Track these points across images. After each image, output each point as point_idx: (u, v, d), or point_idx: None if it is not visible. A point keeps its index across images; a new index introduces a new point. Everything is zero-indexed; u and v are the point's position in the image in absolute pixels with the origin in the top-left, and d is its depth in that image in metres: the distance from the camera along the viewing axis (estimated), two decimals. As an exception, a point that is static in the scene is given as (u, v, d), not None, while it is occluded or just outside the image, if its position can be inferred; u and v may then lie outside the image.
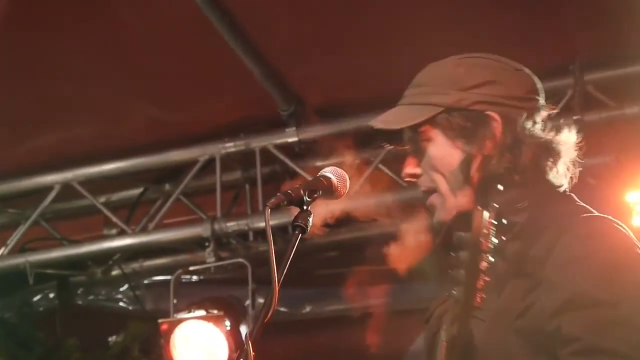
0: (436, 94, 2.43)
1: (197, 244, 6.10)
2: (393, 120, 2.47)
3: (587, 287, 2.19)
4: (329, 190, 2.38)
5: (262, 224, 5.77)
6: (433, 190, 2.44)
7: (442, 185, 2.41)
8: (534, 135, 2.39)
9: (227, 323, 5.59)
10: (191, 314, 5.65)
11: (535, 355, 2.23)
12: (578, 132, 2.47)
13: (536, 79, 2.48)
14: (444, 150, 2.41)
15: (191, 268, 6.05)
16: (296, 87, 5.54)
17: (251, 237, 5.92)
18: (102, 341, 6.63)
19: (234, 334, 5.59)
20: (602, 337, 2.15)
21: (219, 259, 5.84)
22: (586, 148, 2.48)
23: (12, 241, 6.23)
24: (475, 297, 2.13)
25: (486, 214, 2.12)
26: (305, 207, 2.31)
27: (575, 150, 2.44)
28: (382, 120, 2.48)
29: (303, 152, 5.71)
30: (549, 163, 2.41)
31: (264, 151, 5.78)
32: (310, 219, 2.31)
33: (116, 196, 6.37)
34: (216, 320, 5.58)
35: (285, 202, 2.31)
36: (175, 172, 6.14)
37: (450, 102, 2.40)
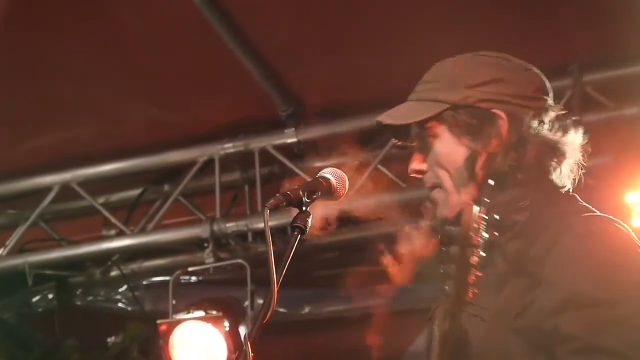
0: (444, 91, 2.44)
1: (196, 244, 6.10)
2: (400, 115, 2.48)
3: (586, 287, 2.19)
4: (328, 191, 2.39)
5: (261, 225, 5.77)
6: (437, 187, 2.45)
7: (446, 181, 2.42)
8: (540, 135, 2.39)
9: (226, 324, 5.59)
10: (190, 315, 5.65)
11: (535, 355, 2.23)
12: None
13: (545, 79, 2.49)
14: (449, 146, 2.42)
15: (190, 269, 6.05)
16: (295, 87, 5.54)
17: (250, 238, 5.92)
18: (101, 342, 6.62)
19: (232, 334, 5.59)
20: (601, 336, 2.15)
21: (217, 259, 5.84)
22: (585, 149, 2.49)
23: (11, 242, 6.23)
24: (467, 292, 2.13)
25: (476, 209, 2.13)
26: (304, 208, 2.32)
27: (580, 152, 2.45)
28: (389, 115, 2.50)
29: (302, 152, 5.71)
30: (553, 163, 2.41)
31: (263, 152, 5.78)
32: (309, 220, 2.31)
33: (115, 197, 6.37)
34: (215, 321, 5.58)
35: (284, 203, 2.31)
36: (174, 172, 6.14)
37: (457, 99, 2.41)
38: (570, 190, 2.46)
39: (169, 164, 6.00)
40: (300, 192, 2.32)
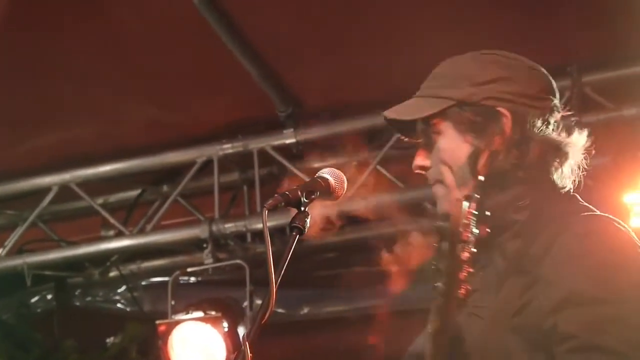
0: (449, 88, 2.45)
1: (195, 245, 6.10)
2: (405, 111, 2.50)
3: (584, 286, 2.20)
4: (326, 191, 2.39)
5: (260, 225, 5.76)
6: (439, 182, 2.45)
7: (448, 177, 2.42)
8: (544, 135, 2.40)
9: (225, 324, 5.59)
10: (189, 316, 5.65)
11: (534, 353, 2.23)
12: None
13: (552, 80, 2.50)
14: (453, 143, 2.43)
15: (189, 269, 6.05)
16: (294, 88, 5.53)
17: (249, 239, 5.92)
18: (99, 342, 6.62)
19: (231, 335, 5.59)
20: (599, 335, 2.15)
21: (216, 260, 5.84)
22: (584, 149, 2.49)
23: (9, 242, 6.22)
24: (458, 288, 2.12)
25: (465, 204, 2.13)
26: (302, 208, 2.32)
27: (583, 153, 2.45)
28: (395, 111, 2.51)
29: (301, 153, 5.70)
30: (556, 164, 2.42)
31: (262, 152, 5.78)
32: (308, 220, 2.31)
33: (114, 197, 6.37)
34: (214, 321, 5.57)
35: (283, 204, 2.32)
36: (173, 173, 6.13)
37: (462, 96, 2.42)
38: (571, 191, 2.46)
39: (168, 164, 5.99)
40: (299, 193, 2.33)
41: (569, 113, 2.50)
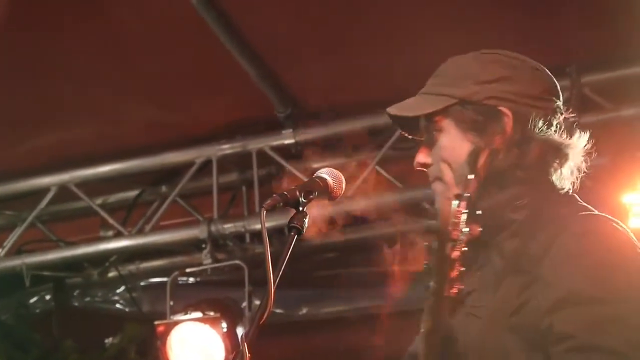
0: (452, 86, 2.46)
1: (194, 245, 6.10)
2: (408, 108, 2.51)
3: (582, 285, 2.19)
4: (325, 191, 2.39)
5: (259, 226, 5.73)
6: (439, 180, 2.46)
7: (448, 174, 2.43)
8: (545, 135, 2.41)
9: (224, 325, 5.59)
10: (188, 316, 5.65)
11: (531, 353, 2.23)
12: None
13: (555, 81, 2.51)
14: (454, 141, 2.44)
15: (188, 270, 6.05)
16: (293, 88, 5.53)
17: (248, 239, 5.92)
18: (98, 343, 6.62)
19: (230, 335, 5.59)
20: (597, 335, 2.15)
21: (215, 260, 5.84)
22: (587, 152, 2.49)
23: (8, 243, 6.22)
24: (450, 287, 2.12)
25: (455, 203, 2.13)
26: (301, 209, 2.32)
27: (582, 155, 2.46)
28: (398, 108, 2.53)
29: (300, 153, 5.70)
30: (555, 164, 2.43)
31: (261, 153, 5.78)
32: (306, 220, 2.31)
33: (113, 198, 6.36)
34: (213, 322, 5.57)
35: (281, 204, 2.32)
36: (171, 174, 6.13)
37: (464, 95, 2.44)
38: (570, 191, 2.46)
39: (167, 165, 5.99)
40: (297, 193, 2.33)
41: (571, 115, 2.50)
